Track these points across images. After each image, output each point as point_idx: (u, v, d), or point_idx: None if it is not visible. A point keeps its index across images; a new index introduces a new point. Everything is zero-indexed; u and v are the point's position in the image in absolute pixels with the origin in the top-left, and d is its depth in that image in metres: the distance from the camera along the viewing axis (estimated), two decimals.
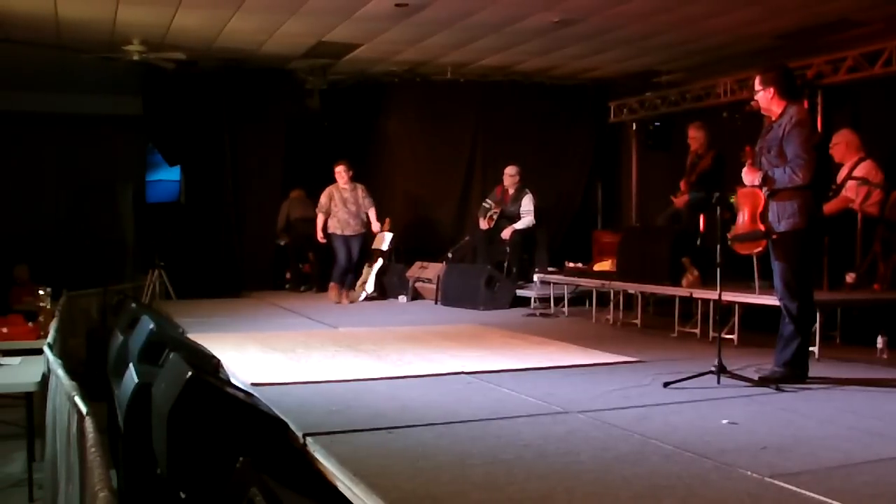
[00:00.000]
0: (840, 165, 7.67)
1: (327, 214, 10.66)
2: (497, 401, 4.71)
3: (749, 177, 5.29)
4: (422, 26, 9.46)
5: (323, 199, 10.72)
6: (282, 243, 12.13)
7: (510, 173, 10.77)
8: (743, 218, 5.41)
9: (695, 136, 9.20)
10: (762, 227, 5.25)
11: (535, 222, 10.62)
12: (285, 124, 12.31)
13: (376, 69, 11.92)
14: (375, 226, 10.82)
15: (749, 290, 6.61)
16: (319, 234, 10.80)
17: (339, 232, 10.63)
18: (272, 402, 4.37)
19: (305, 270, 12.10)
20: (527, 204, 10.62)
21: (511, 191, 10.76)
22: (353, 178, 10.77)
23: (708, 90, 10.55)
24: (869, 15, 8.54)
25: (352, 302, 10.55)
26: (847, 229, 7.25)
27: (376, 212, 10.82)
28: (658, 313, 8.55)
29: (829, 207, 7.23)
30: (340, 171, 10.63)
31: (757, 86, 5.33)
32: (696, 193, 8.84)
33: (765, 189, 5.24)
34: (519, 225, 10.54)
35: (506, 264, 10.14)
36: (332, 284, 10.67)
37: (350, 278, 10.84)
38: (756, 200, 5.30)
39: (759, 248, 5.39)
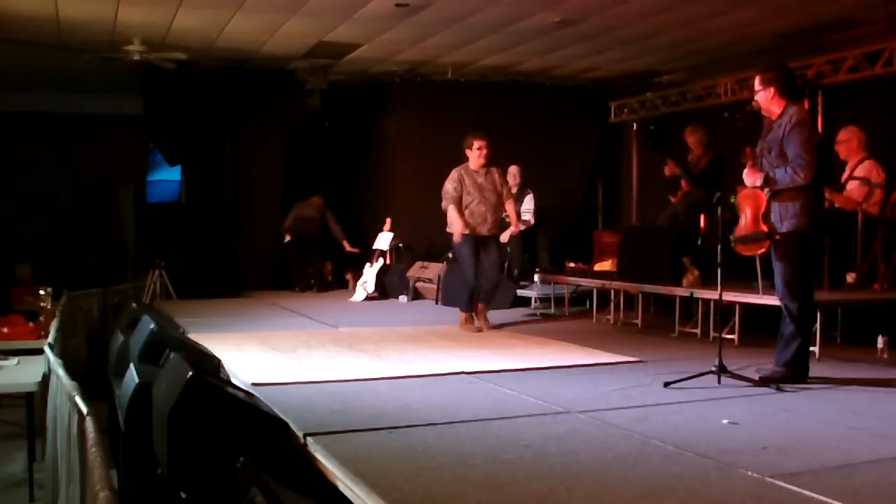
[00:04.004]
0: (845, 163, 7.66)
1: (461, 206, 7.75)
2: (498, 401, 4.71)
3: (750, 178, 5.28)
4: (422, 26, 9.46)
5: (449, 185, 7.78)
6: (286, 239, 11.95)
7: (512, 173, 10.74)
8: (745, 219, 5.41)
9: (692, 139, 9.19)
10: (765, 229, 5.25)
11: (532, 222, 10.59)
12: (286, 124, 12.32)
13: (377, 69, 11.92)
14: (513, 229, 8.30)
15: (751, 290, 6.61)
16: (459, 235, 7.70)
17: (467, 231, 7.74)
18: (273, 401, 4.37)
19: (309, 273, 11.99)
20: (527, 203, 10.60)
21: (513, 191, 10.73)
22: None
23: (709, 90, 10.54)
24: (869, 15, 8.54)
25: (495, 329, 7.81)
26: (847, 229, 7.25)
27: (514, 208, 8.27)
28: (659, 313, 8.54)
29: (840, 202, 7.30)
30: (480, 146, 7.71)
31: (757, 86, 5.33)
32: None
33: (766, 190, 5.24)
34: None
35: (506, 264, 10.13)
36: (463, 316, 7.84)
37: (492, 293, 7.98)
38: (758, 202, 5.30)
39: (763, 250, 5.39)
